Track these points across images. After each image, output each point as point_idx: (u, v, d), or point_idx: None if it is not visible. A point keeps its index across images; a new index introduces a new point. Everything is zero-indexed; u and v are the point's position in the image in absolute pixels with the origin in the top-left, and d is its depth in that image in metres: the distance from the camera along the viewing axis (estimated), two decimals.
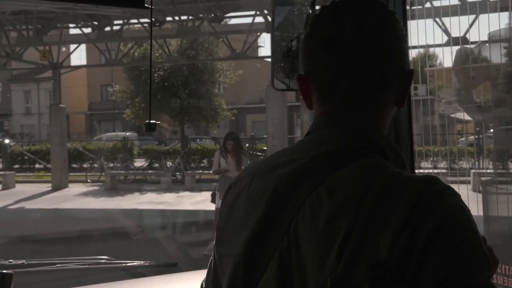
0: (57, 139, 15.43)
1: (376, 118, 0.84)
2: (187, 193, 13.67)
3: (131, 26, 15.85)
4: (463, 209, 0.72)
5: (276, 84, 1.21)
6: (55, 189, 15.20)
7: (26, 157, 20.28)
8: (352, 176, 0.76)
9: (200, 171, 16.44)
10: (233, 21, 19.27)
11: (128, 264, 1.89)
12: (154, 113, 18.63)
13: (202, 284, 0.97)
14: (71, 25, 15.29)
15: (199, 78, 19.20)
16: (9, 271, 1.39)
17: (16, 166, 20.50)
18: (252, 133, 18.54)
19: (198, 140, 19.62)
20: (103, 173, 16.61)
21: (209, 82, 19.63)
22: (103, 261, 1.88)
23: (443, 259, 0.67)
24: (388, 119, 0.87)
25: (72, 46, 17.11)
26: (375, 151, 0.81)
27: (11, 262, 1.71)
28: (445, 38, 10.92)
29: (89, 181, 16.96)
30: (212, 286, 0.92)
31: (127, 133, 31.51)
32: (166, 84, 18.99)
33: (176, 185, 15.45)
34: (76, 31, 15.65)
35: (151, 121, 1.10)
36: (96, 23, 14.10)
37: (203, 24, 13.38)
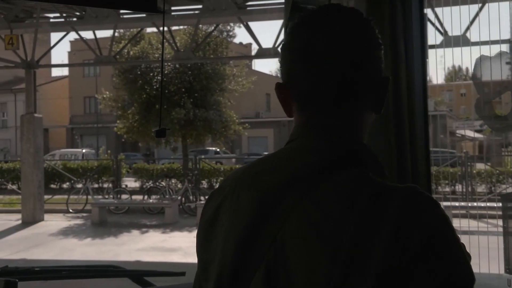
0: (29, 157, 11.88)
1: (353, 126, 0.85)
2: None
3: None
4: (446, 219, 0.74)
5: None
6: (26, 223, 11.67)
7: None
8: (336, 189, 0.76)
9: None
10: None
11: (135, 272, 1.88)
12: (152, 126, 15.26)
13: None
14: (51, 15, 11.87)
15: (206, 85, 15.87)
16: (14, 279, 1.38)
17: None
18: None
19: (197, 157, 16.27)
20: (88, 202, 13.12)
21: (218, 90, 16.29)
22: (110, 268, 1.88)
23: (429, 271, 0.69)
24: (366, 127, 0.88)
25: (53, 42, 13.68)
26: (354, 160, 0.80)
27: (17, 268, 1.68)
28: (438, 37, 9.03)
29: (71, 210, 13.45)
30: None
31: (84, 150, 28.45)
32: (166, 91, 15.60)
33: (185, 218, 12.03)
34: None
35: (163, 128, 1.20)
36: (84, 12, 10.76)
37: (223, 10, 10.14)
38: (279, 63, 0.88)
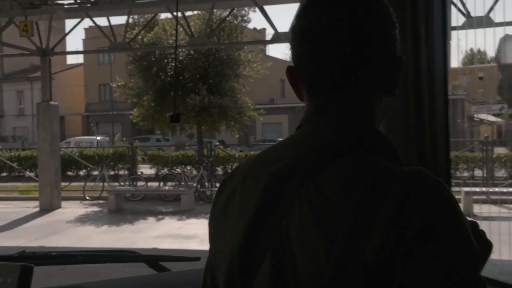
0: (46, 146, 11.93)
1: (363, 109, 0.82)
2: None
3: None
4: (452, 203, 0.71)
5: None
6: (43, 210, 11.77)
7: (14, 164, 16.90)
8: (339, 173, 0.75)
9: None
10: None
11: (151, 257, 1.85)
12: (167, 113, 15.21)
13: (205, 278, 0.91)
14: (65, 1, 11.80)
15: (221, 71, 15.72)
16: (30, 264, 1.36)
17: (4, 174, 17.21)
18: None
19: (209, 144, 16.21)
20: (105, 189, 13.17)
21: (233, 76, 16.13)
22: (126, 253, 1.88)
23: (431, 257, 0.67)
24: (379, 110, 0.84)
25: (67, 29, 13.66)
26: (363, 146, 0.78)
27: (34, 253, 1.66)
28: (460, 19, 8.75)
29: (87, 198, 13.52)
30: (210, 281, 0.89)
31: (99, 137, 28.62)
32: (181, 78, 15.50)
33: (201, 205, 12.01)
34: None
35: (177, 112, 1.19)
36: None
37: None
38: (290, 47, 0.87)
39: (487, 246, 0.83)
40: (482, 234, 0.82)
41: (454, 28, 9.52)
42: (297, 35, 0.84)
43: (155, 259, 1.89)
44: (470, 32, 10.21)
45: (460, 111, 34.09)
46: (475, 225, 0.81)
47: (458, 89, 42.96)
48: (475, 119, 37.54)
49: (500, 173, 14.29)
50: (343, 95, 0.82)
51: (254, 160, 0.87)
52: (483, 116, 37.52)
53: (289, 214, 0.76)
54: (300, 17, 0.85)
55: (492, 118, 36.91)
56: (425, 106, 1.36)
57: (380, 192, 0.71)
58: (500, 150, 14.97)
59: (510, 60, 4.04)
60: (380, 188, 0.71)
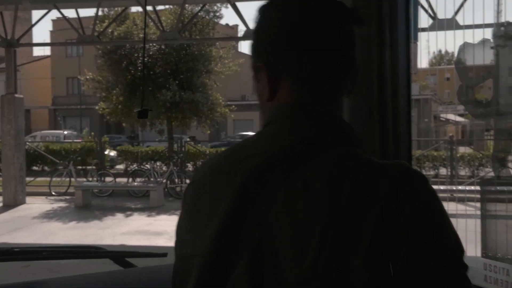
0: (10, 139, 11.60)
1: (331, 104, 0.84)
2: None
3: None
4: (435, 193, 0.75)
5: None
6: (7, 205, 11.46)
7: None
8: (326, 165, 0.75)
9: None
10: None
11: (116, 253, 1.84)
12: (136, 108, 15.00)
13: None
14: None
15: (192, 67, 15.60)
16: None
17: None
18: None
19: (179, 140, 16.12)
20: (71, 185, 12.91)
21: (205, 72, 16.02)
22: (91, 249, 1.86)
23: (420, 243, 0.70)
24: (343, 107, 0.87)
25: (34, 20, 13.28)
26: (342, 139, 0.80)
27: None
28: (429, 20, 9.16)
29: (53, 193, 13.23)
30: (179, 286, 0.84)
31: (66, 132, 27.99)
32: (151, 73, 15.31)
33: (170, 201, 11.91)
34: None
35: (145, 108, 1.19)
36: None
37: None
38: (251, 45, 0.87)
39: None
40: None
41: (424, 30, 9.74)
42: (259, 34, 0.85)
43: (121, 255, 1.87)
44: (439, 34, 10.45)
45: (427, 110, 34.85)
46: None
47: (425, 89, 43.88)
48: (441, 118, 38.42)
49: (464, 171, 14.69)
50: (310, 90, 0.82)
51: (223, 158, 0.85)
52: (449, 116, 38.44)
53: (271, 210, 0.75)
54: (261, 15, 0.85)
55: (457, 118, 37.85)
56: (389, 106, 1.39)
57: (369, 184, 0.73)
58: (464, 150, 15.37)
59: (470, 63, 4.28)
60: (369, 180, 0.73)
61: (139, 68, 15.18)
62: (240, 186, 0.78)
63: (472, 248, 7.84)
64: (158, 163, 15.11)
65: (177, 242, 0.86)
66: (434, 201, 0.75)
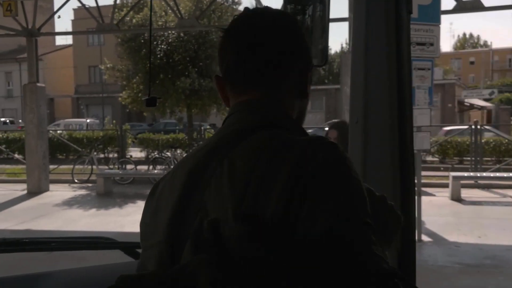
0: (33, 128, 11.78)
1: (278, 103, 0.94)
2: None
3: None
4: (343, 159, 0.79)
5: None
6: (31, 193, 11.68)
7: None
8: (249, 145, 0.84)
9: None
10: None
11: (127, 244, 1.78)
12: (156, 96, 15.05)
13: None
14: None
15: (211, 54, 15.54)
16: None
17: None
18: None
19: (199, 128, 16.17)
20: (93, 172, 13.08)
21: None
22: (101, 240, 1.83)
23: (317, 203, 0.73)
24: (293, 110, 0.96)
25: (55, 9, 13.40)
26: (274, 125, 0.89)
27: (5, 239, 1.61)
28: (452, 2, 8.60)
29: (76, 181, 13.43)
30: None
31: (88, 120, 28.29)
32: (170, 60, 15.32)
33: None
34: None
35: (153, 96, 1.18)
36: None
37: None
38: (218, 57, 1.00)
39: (397, 218, 0.93)
40: (390, 206, 0.92)
41: (446, 12, 9.45)
42: (225, 44, 0.98)
43: (132, 246, 1.83)
44: (463, 16, 10.17)
45: (451, 95, 34.16)
46: (384, 198, 0.91)
47: (449, 74, 42.97)
48: (466, 104, 37.64)
49: (489, 158, 14.37)
50: (261, 92, 0.93)
51: (187, 155, 0.97)
52: (473, 101, 37.64)
53: (206, 190, 0.83)
54: (230, 29, 0.99)
55: (482, 103, 37.02)
56: (406, 97, 1.39)
57: (281, 154, 0.80)
58: (489, 135, 15.01)
59: None
60: (282, 151, 0.80)
61: (158, 56, 15.21)
62: (187, 174, 0.87)
63: (492, 234, 7.66)
64: (178, 151, 15.19)
65: (141, 238, 0.93)
66: (340, 166, 0.78)
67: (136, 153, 16.63)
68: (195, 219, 0.81)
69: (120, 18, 12.65)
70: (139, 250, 1.91)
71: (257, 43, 0.94)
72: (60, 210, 9.87)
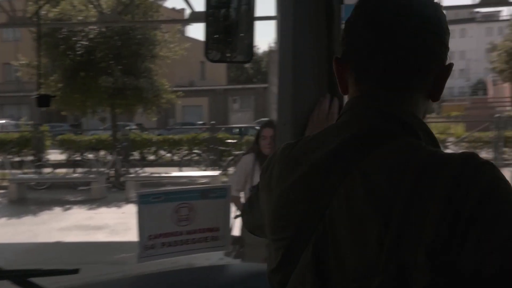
0: None
1: (407, 102, 0.83)
2: (131, 206, 9.59)
3: None
4: (504, 182, 0.71)
5: (212, 55, 1.33)
6: None
7: None
8: (386, 158, 0.75)
9: (148, 173, 12.39)
10: None
11: (17, 273, 1.58)
12: (77, 94, 14.28)
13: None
14: None
15: (136, 51, 14.90)
16: None
17: None
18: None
19: (124, 128, 15.51)
20: (5, 178, 12.06)
21: (149, 57, 15.35)
22: None
23: (484, 236, 0.66)
24: (421, 110, 0.85)
25: None
26: (407, 132, 0.79)
27: None
28: None
29: None
30: (272, 274, 0.88)
31: (3, 121, 26.58)
32: (92, 57, 14.50)
33: (113, 193, 11.35)
34: None
35: (45, 94, 0.78)
36: None
37: None
38: (342, 37, 0.88)
39: None
40: None
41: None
42: (356, 21, 0.85)
43: (23, 275, 1.57)
44: None
45: None
46: None
47: None
48: None
49: None
50: (390, 85, 0.82)
51: (292, 150, 0.87)
52: None
53: (334, 201, 0.75)
54: (361, 5, 0.86)
55: None
56: (338, 97, 1.35)
57: (432, 175, 0.70)
58: None
59: None
60: (431, 171, 0.70)
61: (79, 52, 14.37)
62: (306, 177, 0.81)
63: None
64: (102, 153, 14.42)
65: (268, 227, 0.88)
66: (504, 192, 0.69)
67: (56, 155, 15.61)
68: (316, 227, 0.77)
69: (35, 11, 11.73)
70: (33, 279, 1.58)
71: (404, 27, 0.81)
72: None
